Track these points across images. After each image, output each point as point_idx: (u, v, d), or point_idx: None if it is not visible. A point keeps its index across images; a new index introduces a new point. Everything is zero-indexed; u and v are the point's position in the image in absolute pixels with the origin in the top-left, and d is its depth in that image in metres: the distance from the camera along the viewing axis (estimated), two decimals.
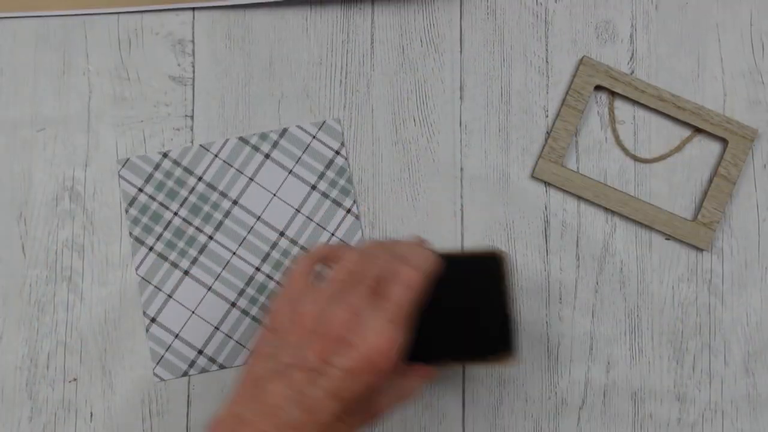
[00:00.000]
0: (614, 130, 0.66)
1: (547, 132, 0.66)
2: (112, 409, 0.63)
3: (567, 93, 0.65)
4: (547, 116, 0.66)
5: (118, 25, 0.65)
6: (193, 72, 0.65)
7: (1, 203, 0.64)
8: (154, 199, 0.64)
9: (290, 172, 0.64)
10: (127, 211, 0.64)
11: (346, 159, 0.65)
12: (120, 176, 0.64)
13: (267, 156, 0.64)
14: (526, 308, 0.65)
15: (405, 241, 0.53)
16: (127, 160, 0.64)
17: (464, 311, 0.55)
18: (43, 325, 0.63)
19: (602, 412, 0.64)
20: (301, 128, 0.65)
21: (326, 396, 0.46)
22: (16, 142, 0.65)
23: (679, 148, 0.66)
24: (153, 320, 0.63)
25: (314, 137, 0.65)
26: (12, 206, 0.64)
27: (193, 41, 0.66)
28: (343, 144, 0.65)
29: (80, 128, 0.65)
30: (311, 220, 0.64)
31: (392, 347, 0.46)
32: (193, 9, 0.66)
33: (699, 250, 0.65)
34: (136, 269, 0.64)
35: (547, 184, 0.65)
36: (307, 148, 0.65)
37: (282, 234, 0.64)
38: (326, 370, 0.46)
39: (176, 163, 0.64)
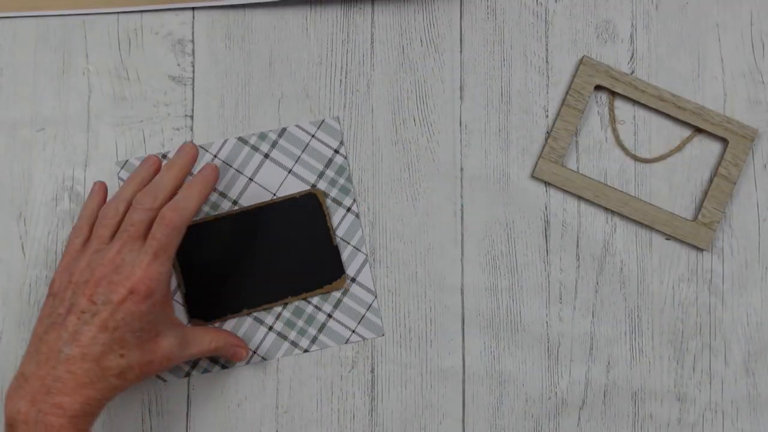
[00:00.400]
0: (614, 130, 0.66)
1: (547, 132, 0.66)
2: (112, 409, 0.63)
3: (567, 93, 0.65)
4: (547, 116, 0.66)
5: (118, 25, 0.65)
6: (193, 72, 0.65)
7: (1, 203, 0.64)
8: None
9: (290, 171, 0.64)
10: None
11: (345, 157, 0.65)
12: (119, 178, 0.64)
13: (266, 156, 0.64)
14: (526, 308, 0.65)
15: (170, 174, 0.57)
16: (126, 161, 0.64)
17: (296, 250, 0.63)
18: None
19: (602, 412, 0.64)
20: (300, 127, 0.65)
21: (95, 329, 0.52)
22: (16, 142, 0.65)
23: (679, 148, 0.66)
24: None
25: (313, 136, 0.64)
26: (12, 206, 0.64)
27: (192, 41, 0.66)
28: (342, 143, 0.65)
29: (80, 128, 0.65)
30: None
31: (152, 276, 0.53)
32: (193, 9, 0.66)
33: (699, 250, 0.65)
34: None
35: (547, 184, 0.65)
36: (306, 147, 0.64)
37: None
38: (95, 309, 0.52)
39: None
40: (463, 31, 0.66)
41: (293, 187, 0.64)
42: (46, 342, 0.53)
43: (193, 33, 0.66)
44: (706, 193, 0.65)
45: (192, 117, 0.65)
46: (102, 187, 0.60)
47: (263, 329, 0.63)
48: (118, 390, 0.53)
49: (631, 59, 0.66)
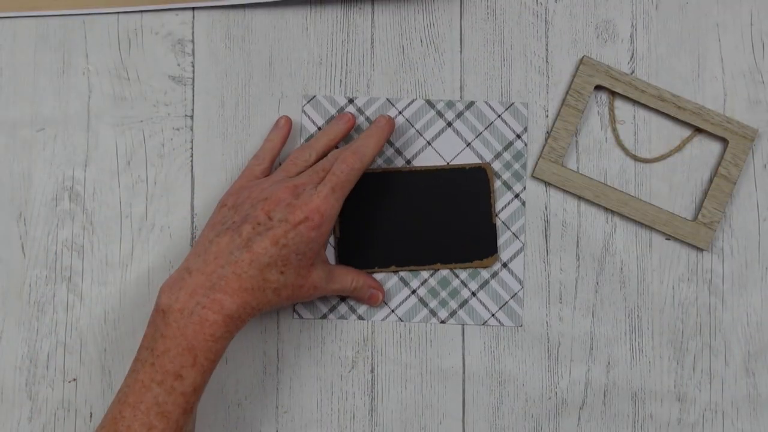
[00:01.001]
0: (614, 130, 0.66)
1: (547, 132, 0.65)
2: None
3: (567, 93, 0.65)
4: (547, 116, 0.66)
5: (118, 24, 0.65)
6: (193, 72, 0.65)
7: (1, 203, 0.64)
8: None
9: (468, 144, 0.64)
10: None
11: (525, 144, 0.65)
12: (303, 111, 0.65)
13: (449, 124, 0.64)
14: (526, 308, 0.65)
15: (369, 141, 0.61)
16: (313, 97, 0.65)
17: (455, 219, 0.64)
18: (43, 325, 0.63)
19: (602, 412, 0.64)
20: (488, 104, 0.65)
21: (268, 241, 0.55)
22: (16, 142, 0.65)
23: (679, 148, 0.66)
24: None
25: (499, 116, 0.65)
26: (12, 206, 0.64)
27: (192, 41, 0.66)
28: (526, 129, 0.65)
29: (80, 128, 0.65)
30: None
31: (326, 208, 0.56)
32: (193, 9, 0.66)
33: (699, 250, 0.65)
34: None
35: (547, 184, 0.65)
36: (489, 125, 0.65)
37: None
38: (271, 224, 0.55)
39: (360, 111, 0.65)
40: (463, 31, 0.66)
41: (467, 160, 0.64)
42: (216, 243, 0.56)
43: (193, 33, 0.66)
44: (706, 193, 0.65)
45: (192, 117, 0.65)
46: (288, 123, 0.64)
47: (406, 291, 0.64)
48: (270, 305, 0.56)
49: (631, 59, 0.66)
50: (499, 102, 0.65)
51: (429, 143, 0.64)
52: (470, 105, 0.65)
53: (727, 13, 0.66)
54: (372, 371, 0.64)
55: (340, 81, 0.66)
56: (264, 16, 0.66)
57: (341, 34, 0.66)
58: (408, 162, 0.64)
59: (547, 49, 0.66)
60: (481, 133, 0.64)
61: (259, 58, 0.66)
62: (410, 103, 0.65)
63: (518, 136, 0.64)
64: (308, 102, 0.65)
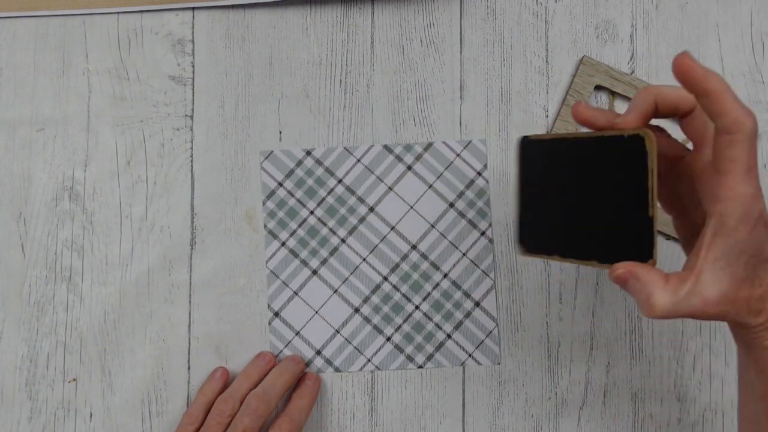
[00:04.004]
0: None
1: (547, 132, 0.65)
2: (112, 410, 0.63)
3: (567, 93, 0.65)
4: (547, 116, 0.66)
5: (118, 25, 0.65)
6: (193, 72, 0.65)
7: (1, 203, 0.64)
8: (292, 195, 0.64)
9: (430, 186, 0.64)
10: (264, 204, 0.64)
11: (487, 181, 0.64)
12: (262, 168, 0.64)
13: (409, 168, 0.64)
14: (526, 308, 0.65)
15: (281, 380, 0.61)
16: (271, 152, 0.64)
17: (607, 205, 0.46)
18: (43, 325, 0.63)
19: (602, 412, 0.64)
20: (447, 145, 0.65)
21: None
22: (16, 142, 0.65)
23: None
24: (276, 314, 0.64)
25: (458, 155, 0.64)
26: (12, 206, 0.64)
27: (192, 41, 0.66)
28: (486, 166, 0.64)
29: (80, 128, 0.65)
30: (444, 237, 0.64)
31: None
32: (193, 9, 0.66)
33: None
34: (266, 262, 0.64)
35: None
36: (449, 165, 0.64)
37: (414, 247, 0.64)
38: None
39: (318, 162, 0.64)
40: (463, 31, 0.66)
41: (431, 202, 0.64)
42: None
43: (193, 33, 0.66)
44: None
45: (192, 117, 0.65)
46: (224, 375, 0.62)
47: (381, 338, 0.64)
48: None
49: (631, 59, 0.66)
50: (457, 141, 0.65)
51: (391, 189, 0.64)
52: (428, 146, 0.64)
53: (727, 13, 0.66)
54: (372, 371, 0.64)
55: (340, 81, 0.66)
56: (264, 16, 0.66)
57: (341, 34, 0.66)
58: (371, 209, 0.64)
59: (547, 49, 0.66)
60: (441, 174, 0.64)
61: (259, 58, 0.66)
62: (368, 150, 0.64)
63: (479, 174, 0.64)
64: (266, 158, 0.64)
